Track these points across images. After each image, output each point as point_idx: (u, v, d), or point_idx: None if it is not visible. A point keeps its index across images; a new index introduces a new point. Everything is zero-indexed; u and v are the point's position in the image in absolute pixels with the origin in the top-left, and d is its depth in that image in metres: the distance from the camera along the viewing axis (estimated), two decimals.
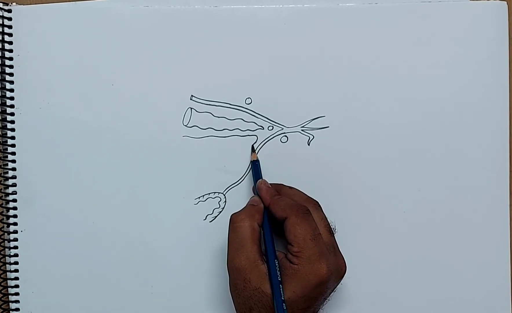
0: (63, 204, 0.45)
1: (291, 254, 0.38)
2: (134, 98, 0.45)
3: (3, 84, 0.44)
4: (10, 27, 0.44)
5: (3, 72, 0.44)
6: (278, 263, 0.38)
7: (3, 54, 0.44)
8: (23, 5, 0.45)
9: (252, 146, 0.44)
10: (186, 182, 0.45)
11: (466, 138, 0.45)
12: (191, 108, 0.45)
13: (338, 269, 0.39)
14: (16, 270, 0.45)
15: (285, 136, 0.45)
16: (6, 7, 0.44)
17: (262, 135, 0.45)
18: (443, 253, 0.46)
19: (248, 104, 0.45)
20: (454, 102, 0.45)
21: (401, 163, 0.45)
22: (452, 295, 0.46)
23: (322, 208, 0.41)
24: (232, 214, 0.40)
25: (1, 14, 0.44)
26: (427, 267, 0.46)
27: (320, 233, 0.38)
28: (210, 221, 0.45)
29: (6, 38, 0.44)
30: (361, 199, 0.45)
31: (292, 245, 0.38)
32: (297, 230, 0.38)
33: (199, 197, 0.45)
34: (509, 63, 0.45)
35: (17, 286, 0.45)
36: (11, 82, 0.44)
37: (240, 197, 0.45)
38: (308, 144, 0.45)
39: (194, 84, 0.45)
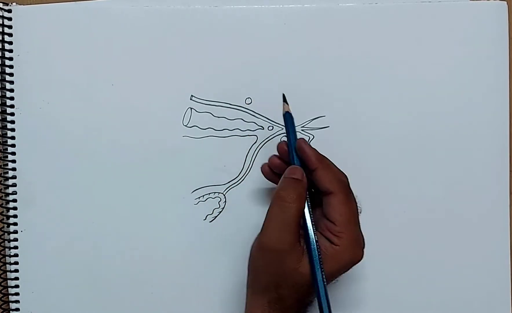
0: (63, 204, 0.45)
1: (332, 233, 0.36)
2: (134, 98, 0.45)
3: (3, 84, 0.44)
4: (10, 27, 0.44)
5: (3, 72, 0.44)
6: (317, 243, 0.36)
7: (3, 54, 0.44)
8: (23, 5, 0.45)
9: (283, 95, 0.41)
10: (186, 182, 0.45)
11: (466, 138, 0.45)
12: (191, 108, 0.45)
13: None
14: (16, 270, 0.45)
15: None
16: (6, 7, 0.44)
17: (262, 135, 0.45)
18: (443, 253, 0.45)
19: (248, 104, 0.45)
20: (454, 102, 0.45)
21: (401, 162, 0.45)
22: (452, 295, 0.46)
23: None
24: (279, 190, 0.37)
25: (1, 14, 0.44)
26: (427, 267, 0.46)
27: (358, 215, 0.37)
28: (210, 221, 0.45)
29: (6, 38, 0.44)
30: (361, 199, 0.45)
31: (335, 225, 0.36)
32: (342, 210, 0.36)
33: (199, 197, 0.45)
34: (509, 63, 0.45)
35: (17, 286, 0.45)
36: (11, 82, 0.44)
37: (240, 197, 0.45)
38: None
39: (194, 84, 0.45)
